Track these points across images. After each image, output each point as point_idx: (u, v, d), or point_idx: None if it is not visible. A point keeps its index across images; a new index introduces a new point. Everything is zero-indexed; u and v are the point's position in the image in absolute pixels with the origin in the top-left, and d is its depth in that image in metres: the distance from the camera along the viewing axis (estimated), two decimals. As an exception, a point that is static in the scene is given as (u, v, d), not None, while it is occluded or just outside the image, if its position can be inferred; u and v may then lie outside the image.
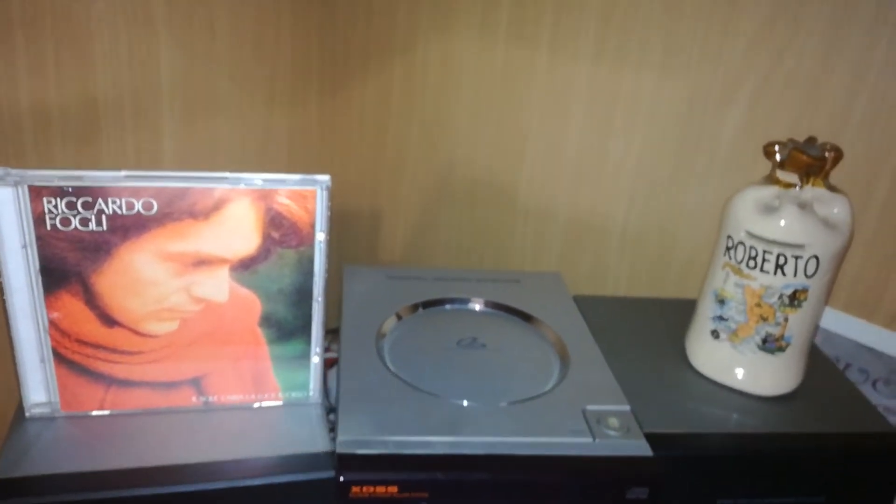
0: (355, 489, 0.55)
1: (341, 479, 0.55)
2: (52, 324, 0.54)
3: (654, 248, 0.90)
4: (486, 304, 0.77)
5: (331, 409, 0.64)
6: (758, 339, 0.65)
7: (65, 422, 0.57)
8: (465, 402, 0.62)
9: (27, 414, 0.57)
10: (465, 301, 0.77)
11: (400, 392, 0.62)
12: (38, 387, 0.56)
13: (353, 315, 0.72)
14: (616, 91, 0.87)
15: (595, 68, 0.87)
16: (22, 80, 0.70)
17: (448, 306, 0.76)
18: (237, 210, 0.53)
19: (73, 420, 0.57)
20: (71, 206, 0.51)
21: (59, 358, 0.55)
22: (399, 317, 0.73)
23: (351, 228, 1.04)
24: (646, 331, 0.76)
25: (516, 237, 0.97)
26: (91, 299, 0.54)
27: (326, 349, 0.71)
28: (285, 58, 0.90)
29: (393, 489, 0.56)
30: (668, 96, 0.84)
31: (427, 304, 0.75)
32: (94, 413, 0.58)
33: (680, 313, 0.77)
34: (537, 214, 0.95)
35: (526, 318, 0.75)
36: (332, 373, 0.70)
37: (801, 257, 0.62)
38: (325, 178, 0.54)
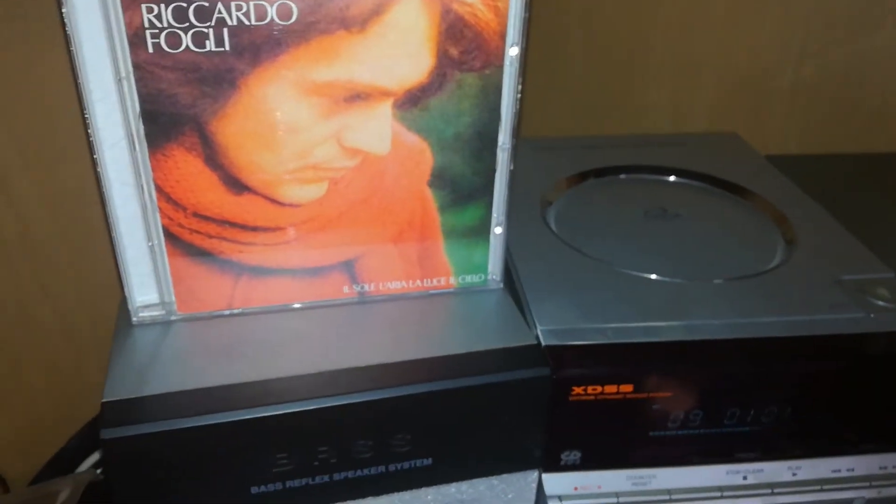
0: (577, 389, 0.41)
1: (560, 376, 0.41)
2: (162, 192, 0.40)
3: (832, 102, 0.74)
4: (669, 171, 0.61)
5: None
6: None
7: (184, 326, 0.43)
8: (682, 280, 0.47)
9: (134, 319, 0.43)
10: (644, 169, 0.61)
11: (593, 272, 0.48)
12: (148, 282, 0.42)
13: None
14: None
15: None
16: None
17: (623, 175, 0.61)
18: (404, 14, 0.38)
19: (194, 324, 0.44)
20: (181, 15, 0.36)
21: (173, 240, 0.41)
22: (567, 186, 0.59)
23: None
24: (870, 189, 0.61)
25: (649, 102, 0.80)
26: (212, 155, 0.39)
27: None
28: None
29: (627, 388, 0.42)
30: None
31: (599, 173, 0.61)
32: (222, 313, 0.44)
33: (887, 167, 0.61)
34: (676, 72, 0.78)
35: (720, 183, 0.60)
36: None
37: None
38: (520, -35, 0.38)
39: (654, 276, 0.48)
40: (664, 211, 0.56)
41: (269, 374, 0.40)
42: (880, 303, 0.46)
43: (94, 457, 0.64)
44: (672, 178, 0.61)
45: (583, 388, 0.41)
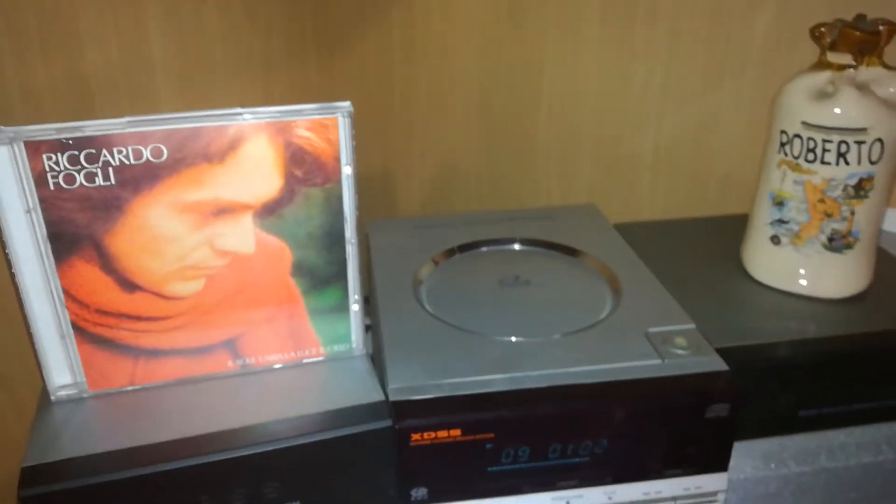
0: (415, 436, 0.51)
1: (400, 426, 0.50)
2: (68, 295, 0.49)
3: (689, 167, 0.85)
4: (525, 241, 0.72)
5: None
6: (823, 239, 0.61)
7: (94, 402, 0.53)
8: (518, 339, 0.57)
9: (52, 398, 0.52)
10: (503, 241, 0.72)
11: (447, 335, 0.58)
12: (62, 367, 0.52)
13: (386, 266, 0.68)
14: (632, 8, 0.81)
15: (607, -15, 0.82)
16: (8, 66, 0.65)
17: (485, 248, 0.72)
18: (254, 148, 0.48)
19: (102, 399, 0.53)
20: (74, 160, 0.46)
21: (81, 332, 0.51)
22: (435, 262, 0.69)
23: (365, 191, 1.00)
24: (695, 250, 0.71)
25: (539, 176, 0.92)
26: (107, 263, 0.49)
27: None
28: (278, 18, 0.85)
29: (456, 432, 0.51)
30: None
31: (462, 248, 0.71)
32: (125, 389, 0.53)
33: (729, 228, 0.72)
34: (560, 150, 0.90)
35: (569, 251, 0.70)
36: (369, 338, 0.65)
37: (863, 142, 0.57)
38: (345, 104, 0.49)
39: (499, 337, 0.58)
40: (517, 278, 0.66)
41: (161, 437, 0.49)
42: (678, 351, 0.56)
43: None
44: (526, 248, 0.71)
45: (420, 434, 0.51)
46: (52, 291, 0.49)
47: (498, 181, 0.95)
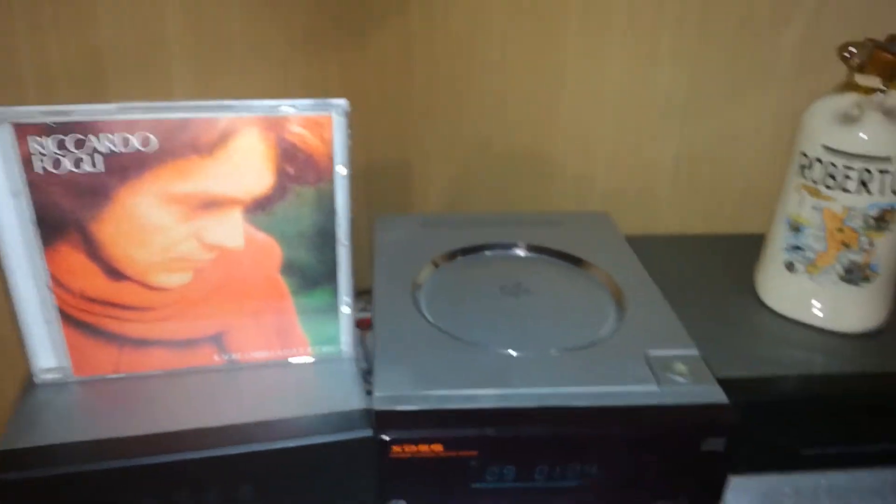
0: (396, 448, 0.49)
1: (380, 437, 0.49)
2: (55, 280, 0.49)
3: (707, 180, 0.82)
4: (530, 248, 0.70)
5: (369, 371, 0.58)
6: (839, 269, 0.58)
7: (78, 387, 0.52)
8: (512, 352, 0.56)
9: (37, 381, 0.52)
10: (507, 246, 0.70)
11: (440, 343, 0.56)
12: (47, 351, 0.51)
13: (387, 265, 0.66)
14: (660, 14, 0.78)
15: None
16: (22, 43, 0.65)
17: (488, 252, 0.70)
18: (245, 142, 0.47)
19: (86, 385, 0.52)
20: (61, 145, 0.45)
21: (66, 318, 0.50)
22: (435, 265, 0.67)
23: (380, 183, 0.98)
24: (708, 269, 0.69)
25: (556, 181, 0.90)
26: (93, 251, 0.48)
27: (362, 309, 0.66)
28: (298, 7, 0.83)
29: (438, 447, 0.50)
30: (719, 9, 0.75)
31: (465, 251, 0.69)
32: (109, 376, 0.53)
33: (744, 249, 0.70)
34: (578, 155, 0.88)
35: (575, 261, 0.68)
36: (370, 335, 0.64)
37: (887, 172, 0.54)
38: (341, 102, 0.48)
39: (494, 348, 0.56)
40: (518, 285, 0.64)
41: (140, 430, 0.48)
42: (678, 378, 0.54)
43: None
44: (530, 255, 0.69)
45: (401, 446, 0.50)
46: (38, 276, 0.49)
47: (512, 181, 0.92)
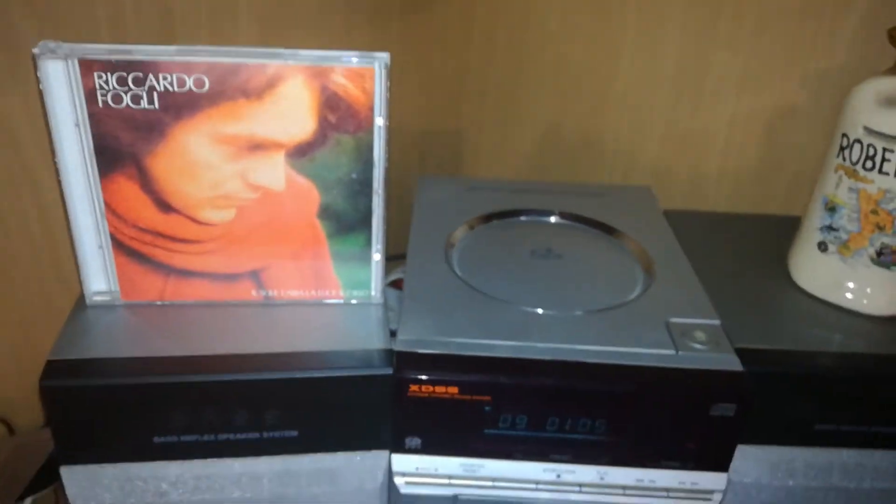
0: (413, 387, 0.52)
1: (400, 376, 0.52)
2: (109, 208, 0.53)
3: (759, 162, 0.82)
4: (565, 215, 0.71)
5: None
6: (871, 251, 0.58)
7: (124, 310, 0.56)
8: (537, 310, 0.57)
9: (88, 302, 0.56)
10: (543, 212, 0.72)
11: (467, 297, 0.58)
12: (98, 274, 0.55)
13: (424, 223, 0.69)
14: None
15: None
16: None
17: (524, 217, 0.71)
18: (291, 89, 0.50)
19: (132, 309, 0.56)
20: (122, 81, 0.49)
21: (118, 244, 0.54)
22: (471, 227, 0.69)
23: (433, 150, 1.00)
24: (744, 247, 0.69)
25: (606, 154, 0.91)
26: (147, 183, 0.52)
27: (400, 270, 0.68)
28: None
29: (454, 390, 0.52)
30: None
31: (501, 215, 0.71)
32: (154, 303, 0.57)
33: (784, 230, 0.69)
34: (630, 130, 0.88)
35: (608, 230, 0.69)
36: (397, 294, 0.66)
37: (928, 156, 0.54)
38: (384, 55, 0.50)
39: (518, 306, 0.58)
40: (549, 250, 0.66)
41: (178, 352, 0.52)
42: (696, 345, 0.55)
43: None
44: (564, 222, 0.71)
45: (418, 386, 0.52)
46: (94, 202, 0.52)
47: (561, 153, 0.94)
